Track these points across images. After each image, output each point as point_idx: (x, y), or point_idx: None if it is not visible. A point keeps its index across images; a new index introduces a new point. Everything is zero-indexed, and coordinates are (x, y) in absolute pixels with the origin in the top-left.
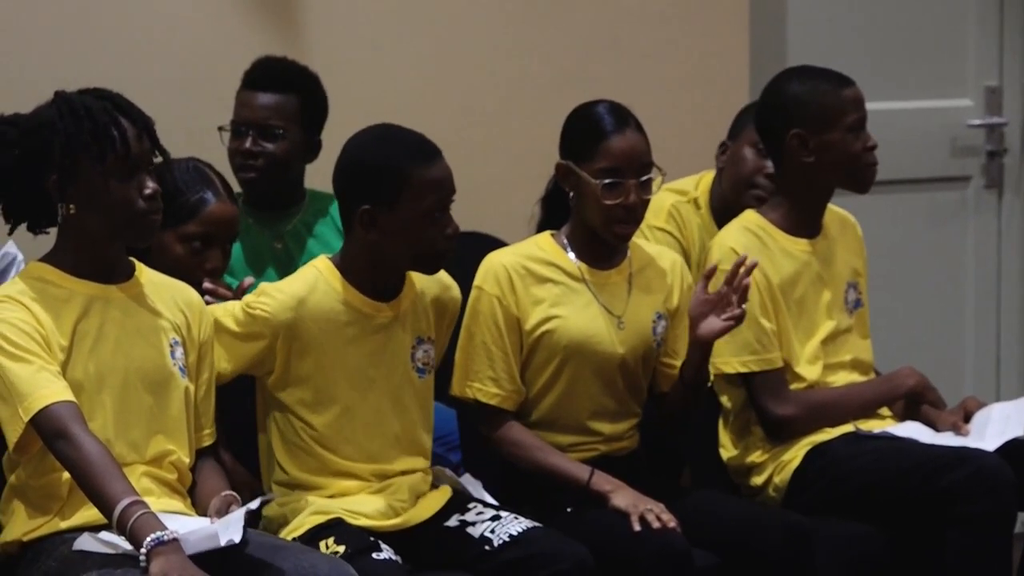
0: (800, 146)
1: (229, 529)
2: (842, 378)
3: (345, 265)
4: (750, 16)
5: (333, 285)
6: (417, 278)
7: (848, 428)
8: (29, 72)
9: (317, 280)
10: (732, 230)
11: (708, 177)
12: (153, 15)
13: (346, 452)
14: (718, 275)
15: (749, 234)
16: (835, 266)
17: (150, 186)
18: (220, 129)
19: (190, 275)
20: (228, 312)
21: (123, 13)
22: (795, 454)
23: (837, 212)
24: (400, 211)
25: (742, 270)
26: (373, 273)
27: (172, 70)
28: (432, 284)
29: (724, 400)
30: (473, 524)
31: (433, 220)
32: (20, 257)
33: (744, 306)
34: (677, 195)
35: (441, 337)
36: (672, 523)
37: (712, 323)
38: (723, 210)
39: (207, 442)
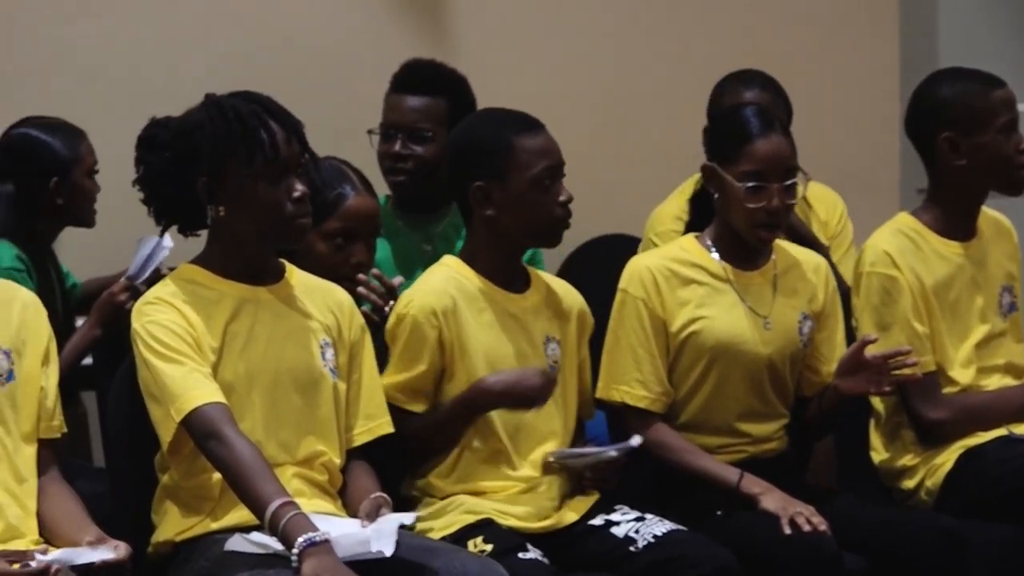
0: (951, 149)
1: (382, 540)
2: (995, 382)
3: (471, 256)
4: (900, 19)
5: (466, 276)
6: (553, 284)
7: (1001, 432)
8: (177, 77)
9: (449, 275)
10: (885, 233)
11: None
12: (301, 17)
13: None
14: (868, 279)
15: (902, 237)
16: (989, 269)
17: (298, 189)
18: (370, 132)
19: (336, 272)
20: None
21: (271, 16)
22: (947, 458)
23: (991, 215)
24: (511, 182)
25: (901, 359)
26: (497, 257)
27: (320, 73)
28: (569, 296)
29: (875, 403)
30: (618, 524)
31: (544, 188)
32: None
33: (889, 388)
34: None
35: (582, 350)
36: (823, 526)
37: (858, 383)
38: None
39: (358, 443)
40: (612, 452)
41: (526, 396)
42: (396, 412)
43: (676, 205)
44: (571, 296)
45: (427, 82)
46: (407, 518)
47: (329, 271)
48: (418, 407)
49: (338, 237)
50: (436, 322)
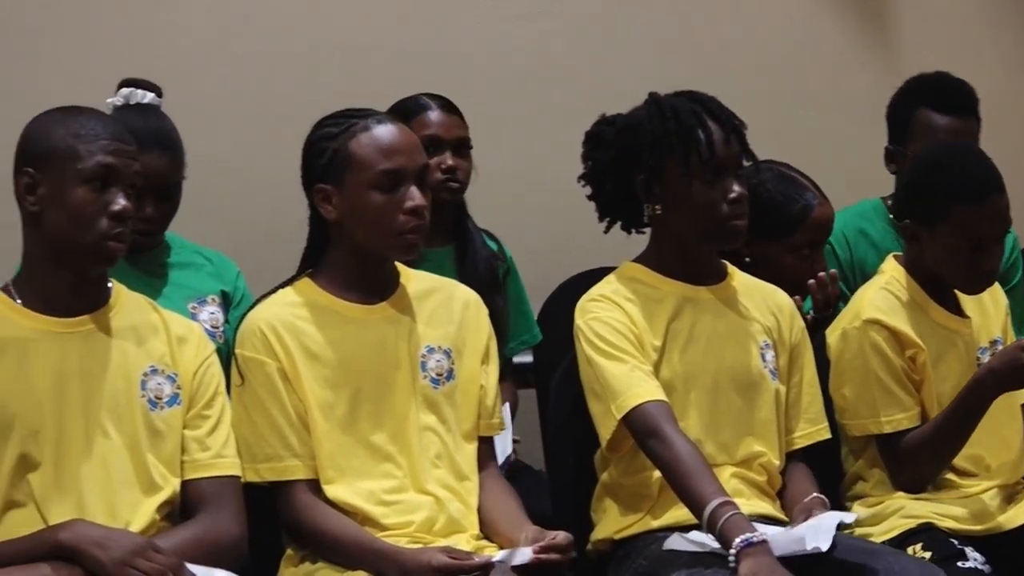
0: None
1: (818, 536)
2: None
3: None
4: None
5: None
6: None
7: None
8: (624, 76)
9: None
10: None
11: None
12: (748, 23)
13: None
14: None
15: None
16: None
17: (735, 190)
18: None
19: (803, 283)
20: None
21: (721, 21)
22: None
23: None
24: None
25: None
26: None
27: (764, 78)
28: None
29: None
30: None
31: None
32: None
33: None
34: None
35: None
36: None
37: None
38: None
39: (798, 445)
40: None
41: None
42: None
43: None
44: None
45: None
46: (848, 517)
47: (797, 283)
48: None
49: (805, 248)
50: None
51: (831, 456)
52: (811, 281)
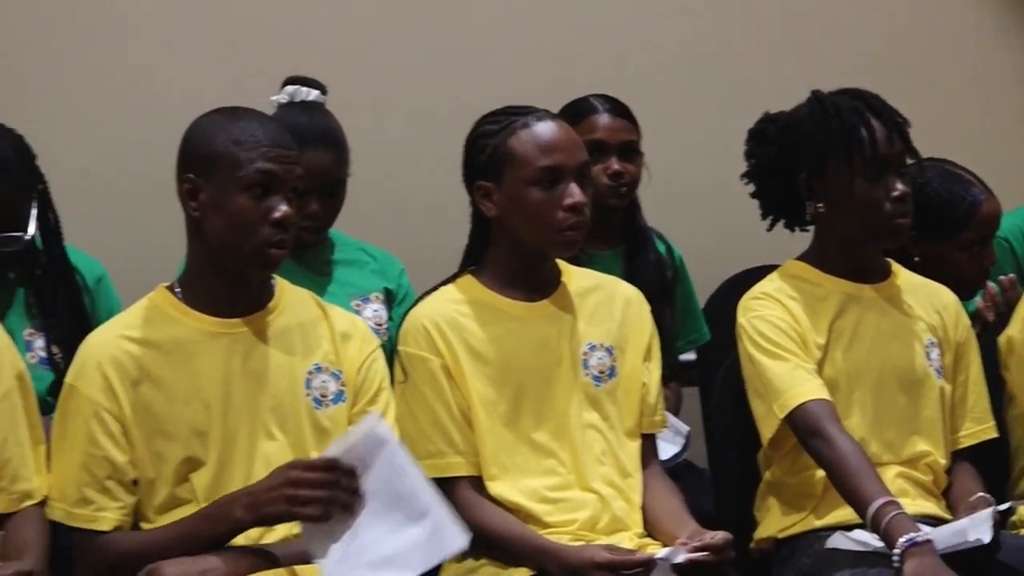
0: None
1: (979, 528)
2: None
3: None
4: None
5: None
6: None
7: None
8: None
9: None
10: None
11: None
12: (909, 18)
13: None
14: None
15: None
16: None
17: (899, 188)
18: None
19: (973, 280)
20: None
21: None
22: None
23: None
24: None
25: None
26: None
27: (921, 73)
28: None
29: None
30: None
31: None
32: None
33: None
34: None
35: None
36: None
37: None
38: None
39: (963, 444)
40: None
41: None
42: None
43: None
44: None
45: None
46: (1002, 506)
47: (970, 280)
48: None
49: (975, 246)
50: None
51: (998, 456)
52: (990, 283)
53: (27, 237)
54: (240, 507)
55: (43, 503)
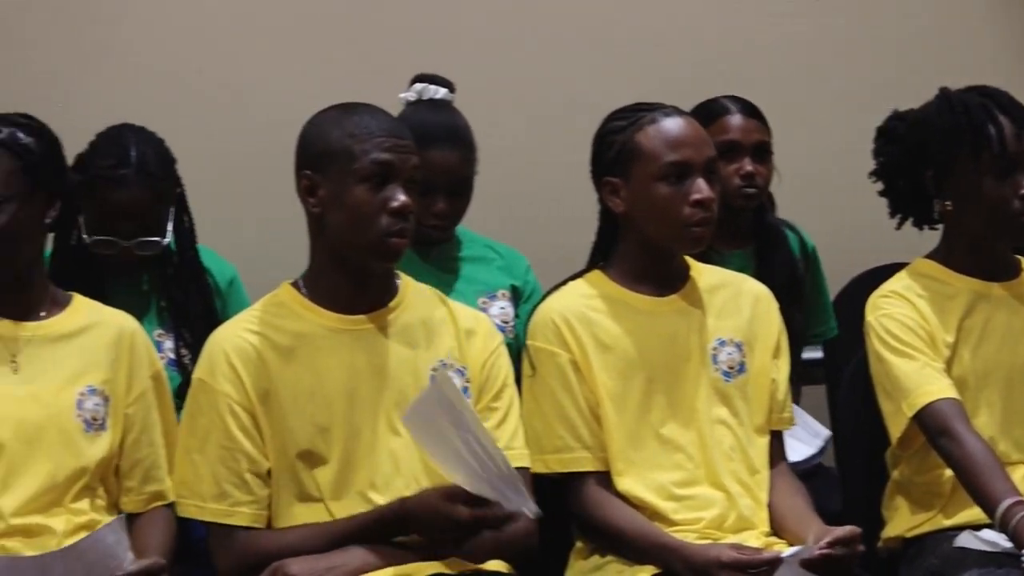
0: None
1: None
2: None
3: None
4: None
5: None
6: None
7: None
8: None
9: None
10: None
11: None
12: None
13: None
14: None
15: None
16: None
17: None
18: None
19: None
20: None
21: None
22: None
23: None
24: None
25: None
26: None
27: None
28: None
29: None
30: None
31: None
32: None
33: None
34: None
35: None
36: None
37: None
38: None
39: None
40: None
41: None
42: None
43: None
44: None
45: None
46: None
47: None
48: None
49: None
50: None
51: None
52: None
53: (164, 241)
54: (402, 522)
55: (171, 504)
